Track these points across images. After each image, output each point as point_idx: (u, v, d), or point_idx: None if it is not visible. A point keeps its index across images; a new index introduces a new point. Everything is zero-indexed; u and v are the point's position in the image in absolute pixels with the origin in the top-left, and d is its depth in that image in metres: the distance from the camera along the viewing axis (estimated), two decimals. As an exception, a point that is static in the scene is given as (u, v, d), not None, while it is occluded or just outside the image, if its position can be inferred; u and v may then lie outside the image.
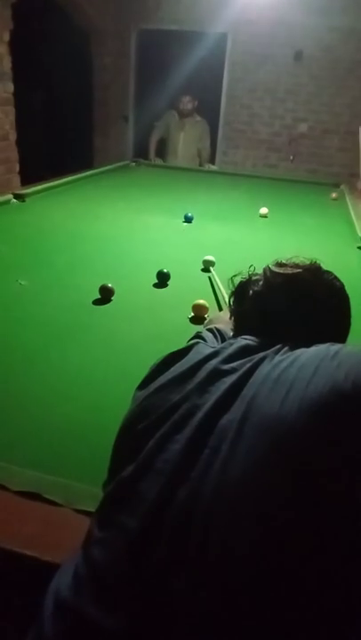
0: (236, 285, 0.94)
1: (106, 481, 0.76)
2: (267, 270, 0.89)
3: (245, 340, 0.80)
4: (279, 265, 0.89)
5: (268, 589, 0.56)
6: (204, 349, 0.82)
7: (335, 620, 0.58)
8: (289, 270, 0.86)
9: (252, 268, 0.94)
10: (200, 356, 0.78)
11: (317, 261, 0.90)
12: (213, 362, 0.76)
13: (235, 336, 0.88)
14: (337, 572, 0.58)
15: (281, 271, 0.87)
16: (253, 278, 0.91)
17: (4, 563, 0.79)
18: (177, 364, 0.80)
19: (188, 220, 2.95)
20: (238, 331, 0.90)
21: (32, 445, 1.07)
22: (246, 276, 0.93)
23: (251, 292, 0.89)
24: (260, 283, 0.88)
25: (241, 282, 0.93)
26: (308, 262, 0.89)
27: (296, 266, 0.87)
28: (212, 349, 0.81)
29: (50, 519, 0.86)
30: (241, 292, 0.92)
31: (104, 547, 0.64)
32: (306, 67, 5.23)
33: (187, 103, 4.82)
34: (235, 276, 0.95)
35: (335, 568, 0.58)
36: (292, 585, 0.57)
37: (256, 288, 0.88)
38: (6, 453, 1.01)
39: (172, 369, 0.79)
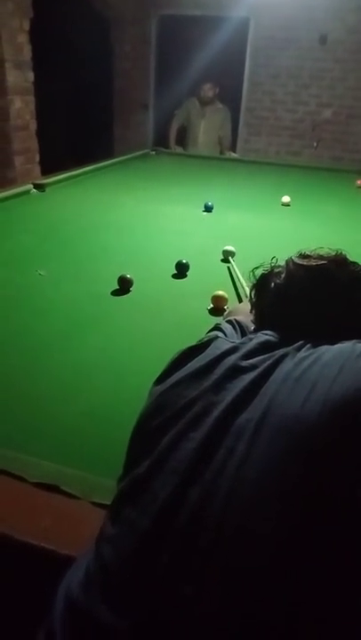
0: (257, 278, 0.91)
1: (121, 476, 0.75)
2: (289, 262, 0.86)
3: (266, 336, 0.78)
4: (303, 256, 0.85)
5: (283, 596, 0.54)
6: (222, 344, 0.79)
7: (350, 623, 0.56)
8: (313, 262, 0.83)
9: (274, 260, 0.90)
10: (218, 352, 0.76)
11: (343, 252, 0.86)
12: (232, 358, 0.73)
13: (256, 330, 0.85)
14: (357, 576, 0.56)
15: (304, 263, 0.83)
16: (275, 271, 0.87)
17: (22, 555, 0.79)
18: (194, 360, 0.77)
19: (208, 209, 2.91)
20: (259, 325, 0.87)
21: (50, 437, 1.07)
22: (268, 269, 0.89)
23: (272, 284, 0.86)
24: (282, 275, 0.85)
25: (262, 274, 0.90)
26: (333, 253, 0.85)
27: (320, 257, 0.84)
28: (231, 344, 0.78)
29: (67, 512, 0.85)
30: (262, 285, 0.89)
31: (114, 545, 0.63)
32: (331, 50, 5.08)
33: (208, 90, 4.74)
34: (256, 268, 0.92)
35: (355, 572, 0.56)
36: (309, 590, 0.55)
37: (278, 281, 0.85)
38: (24, 445, 1.01)
39: (190, 364, 0.77)
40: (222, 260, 2.11)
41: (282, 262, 0.88)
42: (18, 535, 0.79)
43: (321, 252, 0.85)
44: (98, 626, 0.58)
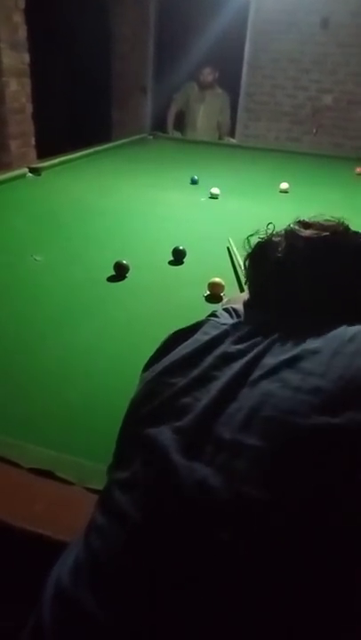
0: (253, 247, 0.84)
1: (111, 465, 0.74)
2: (289, 233, 0.79)
3: (258, 318, 0.75)
4: (303, 224, 0.80)
5: (270, 589, 0.53)
6: (211, 330, 0.76)
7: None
8: (315, 233, 0.77)
9: (270, 227, 0.83)
10: (207, 337, 0.73)
11: (345, 221, 0.81)
12: (221, 344, 0.71)
13: (249, 306, 0.81)
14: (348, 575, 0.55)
15: (306, 234, 0.78)
16: (274, 240, 0.80)
17: (16, 541, 0.79)
18: (182, 345, 0.75)
19: (193, 182, 2.97)
20: (253, 302, 0.82)
21: (45, 423, 1.06)
22: (265, 237, 0.82)
23: (270, 256, 0.79)
24: (281, 247, 0.78)
25: (259, 243, 0.82)
26: (334, 222, 0.80)
27: (323, 227, 0.78)
28: (220, 329, 0.75)
29: (62, 497, 0.85)
30: (259, 256, 0.82)
31: (103, 534, 0.62)
32: (333, 34, 4.99)
33: (207, 75, 4.67)
34: (251, 235, 0.85)
35: (345, 571, 0.55)
36: (298, 588, 0.53)
37: (277, 254, 0.78)
38: (19, 430, 1.01)
39: (177, 350, 0.74)
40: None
41: (279, 229, 0.83)
42: (13, 521, 0.79)
43: (322, 221, 0.80)
44: (85, 614, 0.57)
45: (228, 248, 1.98)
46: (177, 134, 4.96)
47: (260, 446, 0.58)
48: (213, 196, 2.87)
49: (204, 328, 0.77)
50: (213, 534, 0.55)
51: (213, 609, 0.53)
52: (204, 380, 0.67)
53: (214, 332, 0.74)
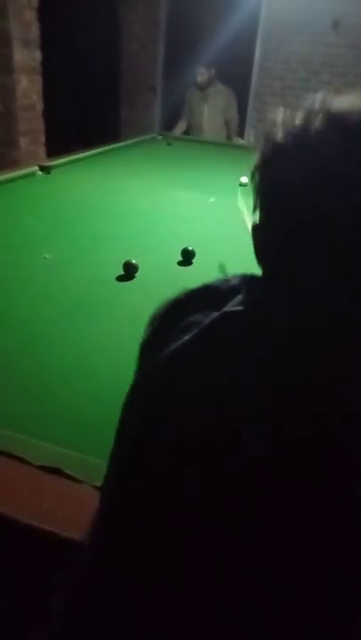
0: (264, 156, 0.53)
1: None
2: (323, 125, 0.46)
3: (273, 300, 0.54)
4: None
5: (272, 595, 0.52)
6: (205, 314, 0.62)
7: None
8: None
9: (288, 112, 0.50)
10: (199, 328, 0.61)
11: None
12: (215, 335, 0.60)
13: (253, 278, 0.60)
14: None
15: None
16: (314, 137, 0.47)
17: (24, 538, 0.79)
18: (173, 337, 0.63)
19: (169, 144, 3.37)
20: (258, 257, 0.56)
21: (53, 421, 1.07)
22: (288, 130, 0.50)
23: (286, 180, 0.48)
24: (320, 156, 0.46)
25: (278, 147, 0.50)
26: None
27: None
28: (219, 314, 0.59)
29: (70, 495, 0.86)
30: (273, 175, 0.52)
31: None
32: (344, 35, 4.98)
33: (203, 74, 4.60)
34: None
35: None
36: (300, 598, 0.52)
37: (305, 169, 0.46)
38: (28, 427, 1.01)
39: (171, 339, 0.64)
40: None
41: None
42: (21, 518, 0.80)
43: None
44: (97, 634, 0.56)
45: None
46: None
47: (264, 451, 0.55)
48: (243, 185, 2.95)
49: (199, 308, 0.63)
50: (214, 539, 0.54)
51: (215, 620, 0.53)
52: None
53: (207, 320, 0.60)
